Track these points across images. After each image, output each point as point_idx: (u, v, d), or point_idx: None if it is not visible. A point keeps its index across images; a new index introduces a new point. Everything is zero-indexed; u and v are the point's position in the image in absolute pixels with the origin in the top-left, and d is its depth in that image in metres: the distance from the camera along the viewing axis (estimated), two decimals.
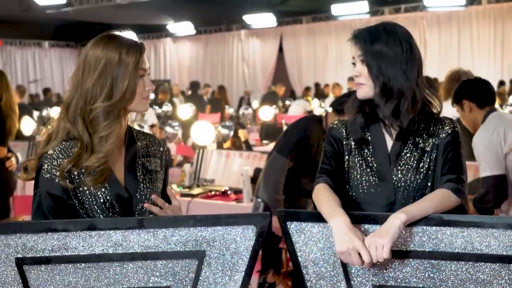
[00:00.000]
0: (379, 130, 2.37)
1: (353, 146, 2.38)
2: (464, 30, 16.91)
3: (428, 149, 2.31)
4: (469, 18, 16.77)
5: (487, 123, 3.96)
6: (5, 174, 5.32)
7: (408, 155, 2.32)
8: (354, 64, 2.34)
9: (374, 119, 2.37)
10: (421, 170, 2.30)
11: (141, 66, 2.18)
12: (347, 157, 2.38)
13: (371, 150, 2.36)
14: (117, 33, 2.25)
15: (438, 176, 2.28)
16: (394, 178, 2.30)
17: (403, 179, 2.29)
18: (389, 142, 2.35)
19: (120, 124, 2.19)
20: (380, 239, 1.98)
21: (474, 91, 4.06)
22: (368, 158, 2.35)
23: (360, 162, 2.35)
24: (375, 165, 2.34)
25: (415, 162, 2.30)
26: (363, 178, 2.33)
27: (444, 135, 2.32)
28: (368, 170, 2.34)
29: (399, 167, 2.31)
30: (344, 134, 2.41)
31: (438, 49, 17.23)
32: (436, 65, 15.89)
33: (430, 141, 2.32)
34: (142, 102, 2.22)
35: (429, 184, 2.30)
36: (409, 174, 2.29)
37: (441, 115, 2.41)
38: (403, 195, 2.29)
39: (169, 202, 2.29)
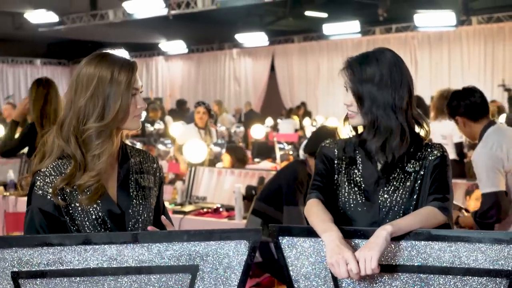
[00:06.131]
0: (369, 153, 2.40)
1: (343, 166, 2.43)
2: (455, 50, 17.02)
3: (416, 170, 2.36)
4: (460, 38, 16.88)
5: (487, 138, 3.89)
6: None
7: (395, 176, 2.36)
8: (346, 88, 2.36)
9: (365, 142, 2.41)
10: (407, 189, 2.34)
11: (134, 86, 2.18)
12: (336, 176, 2.43)
13: (360, 171, 2.40)
14: (109, 51, 2.24)
15: (425, 197, 2.31)
16: (380, 199, 2.35)
17: (388, 199, 2.34)
18: (379, 165, 2.39)
19: (113, 142, 2.19)
20: (368, 251, 2.02)
21: (463, 107, 4.00)
22: (357, 178, 2.39)
23: (349, 181, 2.40)
24: (363, 185, 2.38)
25: (401, 183, 2.35)
26: (351, 197, 2.38)
27: (432, 157, 2.36)
28: (356, 189, 2.38)
29: (385, 189, 2.35)
30: (336, 153, 2.46)
31: (429, 68, 17.33)
32: (427, 84, 15.98)
33: (418, 164, 2.36)
34: (135, 120, 2.22)
35: (413, 204, 2.33)
36: (395, 195, 2.34)
37: (432, 135, 2.43)
38: (387, 215, 2.33)
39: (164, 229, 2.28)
